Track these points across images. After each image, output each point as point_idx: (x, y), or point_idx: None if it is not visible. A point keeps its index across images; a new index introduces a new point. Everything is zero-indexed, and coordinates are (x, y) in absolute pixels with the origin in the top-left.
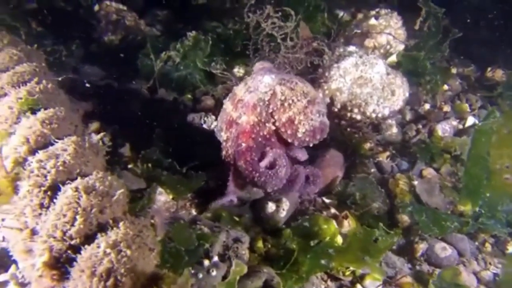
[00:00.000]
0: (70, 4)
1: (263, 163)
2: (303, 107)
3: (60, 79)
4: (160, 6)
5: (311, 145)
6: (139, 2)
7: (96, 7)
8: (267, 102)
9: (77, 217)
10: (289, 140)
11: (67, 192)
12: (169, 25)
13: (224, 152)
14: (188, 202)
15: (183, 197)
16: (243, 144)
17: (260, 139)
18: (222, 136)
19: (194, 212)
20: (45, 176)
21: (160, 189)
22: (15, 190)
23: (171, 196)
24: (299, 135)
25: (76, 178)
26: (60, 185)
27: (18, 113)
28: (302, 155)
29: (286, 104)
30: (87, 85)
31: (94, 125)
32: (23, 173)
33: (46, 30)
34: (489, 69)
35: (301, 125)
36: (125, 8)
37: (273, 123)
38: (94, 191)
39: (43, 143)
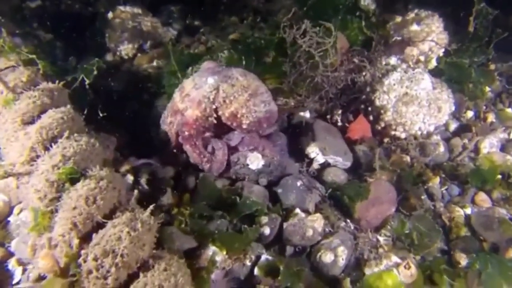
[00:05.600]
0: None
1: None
2: (244, 100)
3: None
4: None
5: (260, 132)
6: None
7: (110, 15)
8: (211, 100)
9: None
10: (238, 130)
11: None
12: (185, 21)
13: (167, 129)
14: (241, 254)
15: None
16: (186, 133)
17: (202, 129)
18: (168, 119)
19: (248, 262)
20: (106, 278)
21: (214, 248)
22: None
23: (224, 252)
24: (244, 126)
25: (138, 272)
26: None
27: (57, 186)
28: (234, 140)
29: (227, 101)
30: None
31: (126, 166)
32: (79, 272)
33: (54, 36)
34: None
35: (244, 118)
36: (140, 11)
37: (218, 118)
38: None
39: (91, 225)
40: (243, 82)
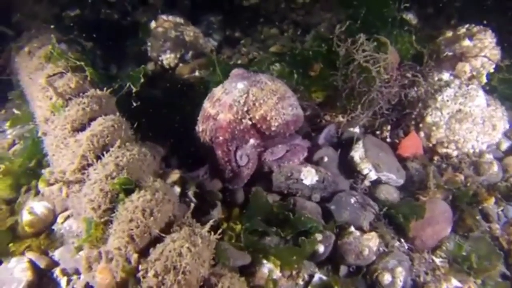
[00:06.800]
0: (115, 10)
1: (238, 153)
2: (273, 103)
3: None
4: (209, 9)
5: (287, 134)
6: (187, 6)
7: (153, 24)
8: (242, 103)
9: None
10: (266, 133)
11: None
12: (225, 32)
13: (201, 140)
14: (296, 270)
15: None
16: (220, 137)
17: (236, 132)
18: (199, 127)
19: (301, 282)
20: None
21: (269, 266)
22: None
23: (279, 269)
24: (273, 128)
25: None
26: None
27: (111, 197)
28: (278, 153)
29: (257, 104)
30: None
31: (173, 176)
32: None
33: (94, 44)
34: None
35: (273, 120)
36: (182, 21)
37: (250, 119)
38: None
39: (148, 239)
40: (271, 86)
